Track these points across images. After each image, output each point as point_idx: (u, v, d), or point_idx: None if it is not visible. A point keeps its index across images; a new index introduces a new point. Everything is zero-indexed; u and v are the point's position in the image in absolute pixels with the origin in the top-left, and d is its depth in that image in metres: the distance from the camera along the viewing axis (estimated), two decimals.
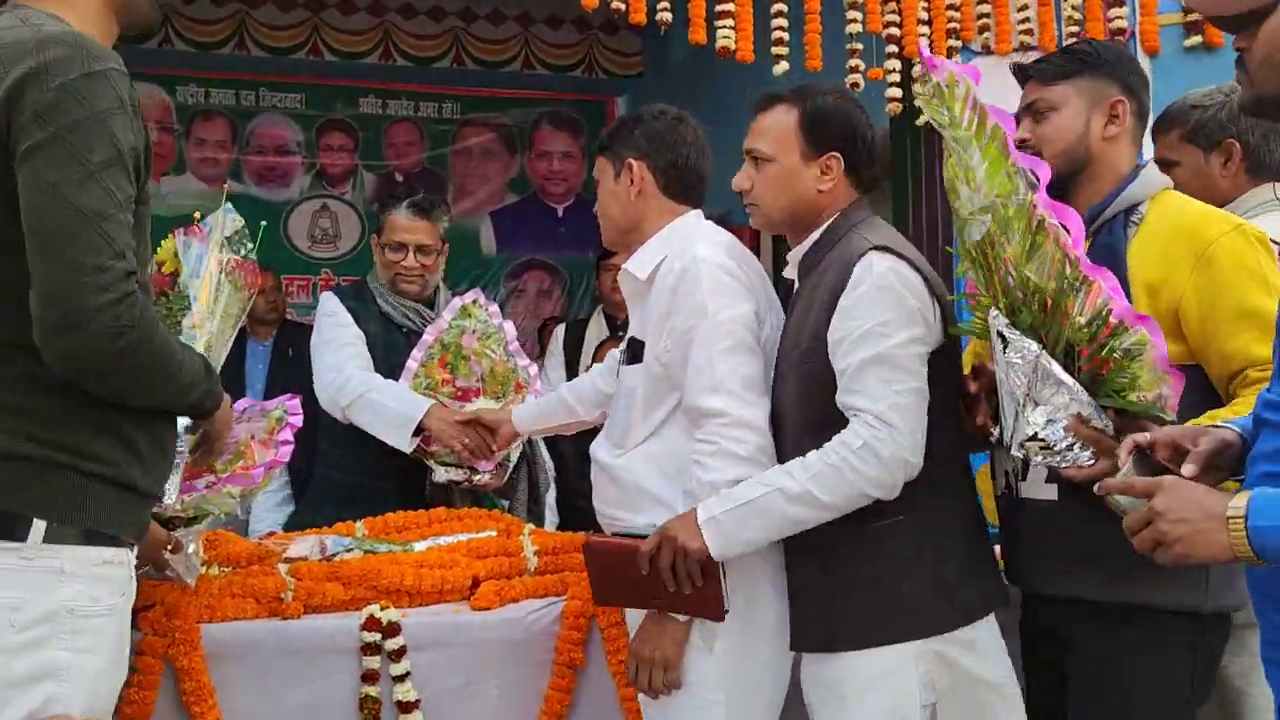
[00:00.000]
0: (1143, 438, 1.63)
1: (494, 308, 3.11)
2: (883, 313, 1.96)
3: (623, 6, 3.51)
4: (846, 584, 2.01)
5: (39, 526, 1.56)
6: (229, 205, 2.27)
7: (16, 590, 1.55)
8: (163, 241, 2.20)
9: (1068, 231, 1.84)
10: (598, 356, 3.81)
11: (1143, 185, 2.12)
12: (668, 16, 3.51)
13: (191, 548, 2.20)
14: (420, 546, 2.57)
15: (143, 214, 1.68)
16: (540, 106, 6.47)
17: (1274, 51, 1.48)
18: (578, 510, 3.60)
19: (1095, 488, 1.59)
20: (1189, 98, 2.46)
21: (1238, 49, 1.56)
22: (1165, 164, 2.41)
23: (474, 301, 3.07)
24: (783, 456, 2.05)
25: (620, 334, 4.18)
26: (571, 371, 4.23)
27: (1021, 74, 2.24)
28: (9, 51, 1.58)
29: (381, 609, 2.25)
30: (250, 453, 2.36)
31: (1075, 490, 1.87)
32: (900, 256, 2.01)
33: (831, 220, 2.15)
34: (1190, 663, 2.00)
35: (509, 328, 3.06)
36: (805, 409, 2.05)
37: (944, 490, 2.03)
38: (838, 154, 2.13)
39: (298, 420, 2.46)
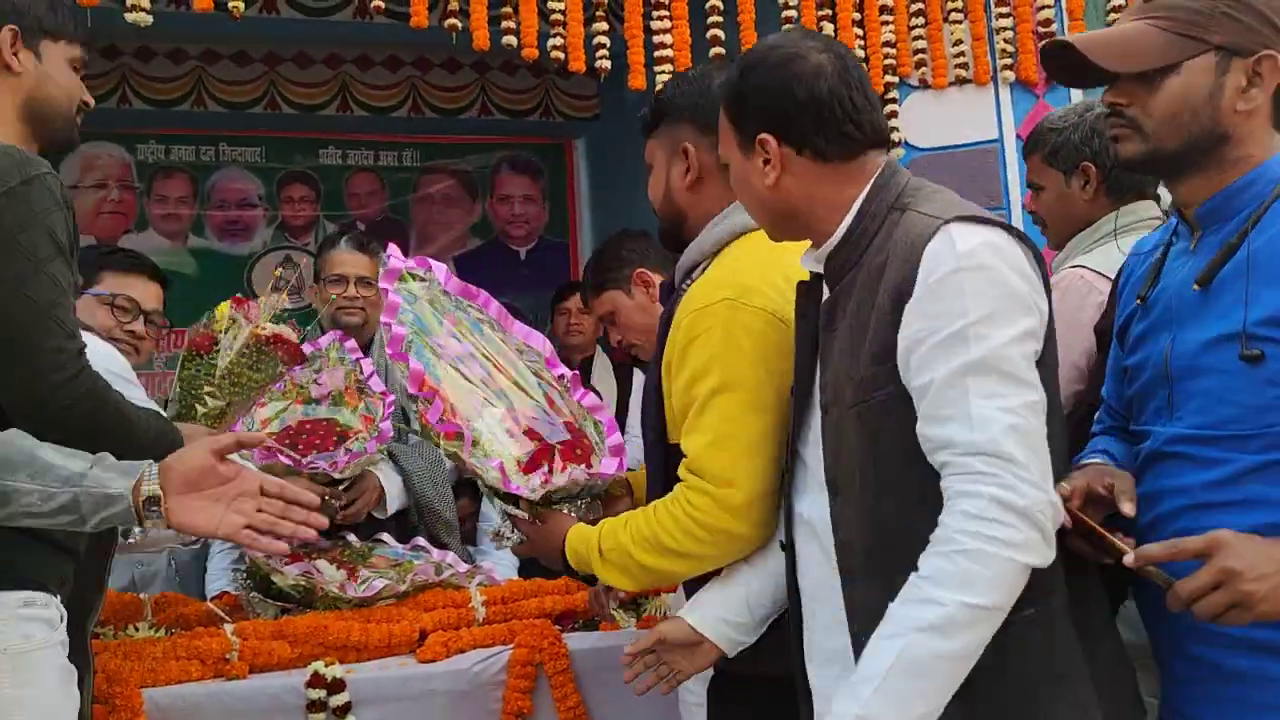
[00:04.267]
0: (1062, 488, 1.53)
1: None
2: (980, 304, 1.45)
3: (562, 55, 3.57)
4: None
5: None
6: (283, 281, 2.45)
7: None
8: (219, 305, 2.47)
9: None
10: None
11: (699, 245, 1.98)
12: (606, 65, 3.58)
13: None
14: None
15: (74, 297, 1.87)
16: (499, 151, 6.52)
17: (1181, 111, 1.53)
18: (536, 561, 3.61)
19: (1128, 561, 1.43)
20: (1046, 120, 2.42)
21: (1116, 104, 1.58)
22: (1034, 187, 2.42)
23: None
24: (846, 536, 1.57)
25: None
26: None
27: None
28: None
29: (326, 665, 2.26)
30: (356, 400, 2.79)
31: None
32: (993, 225, 1.52)
33: (857, 207, 1.64)
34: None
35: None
36: (877, 462, 1.53)
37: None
38: (767, 134, 1.66)
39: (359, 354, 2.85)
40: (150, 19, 3.12)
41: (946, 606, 1.37)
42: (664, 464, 1.95)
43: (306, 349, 2.73)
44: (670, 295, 2.07)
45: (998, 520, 1.38)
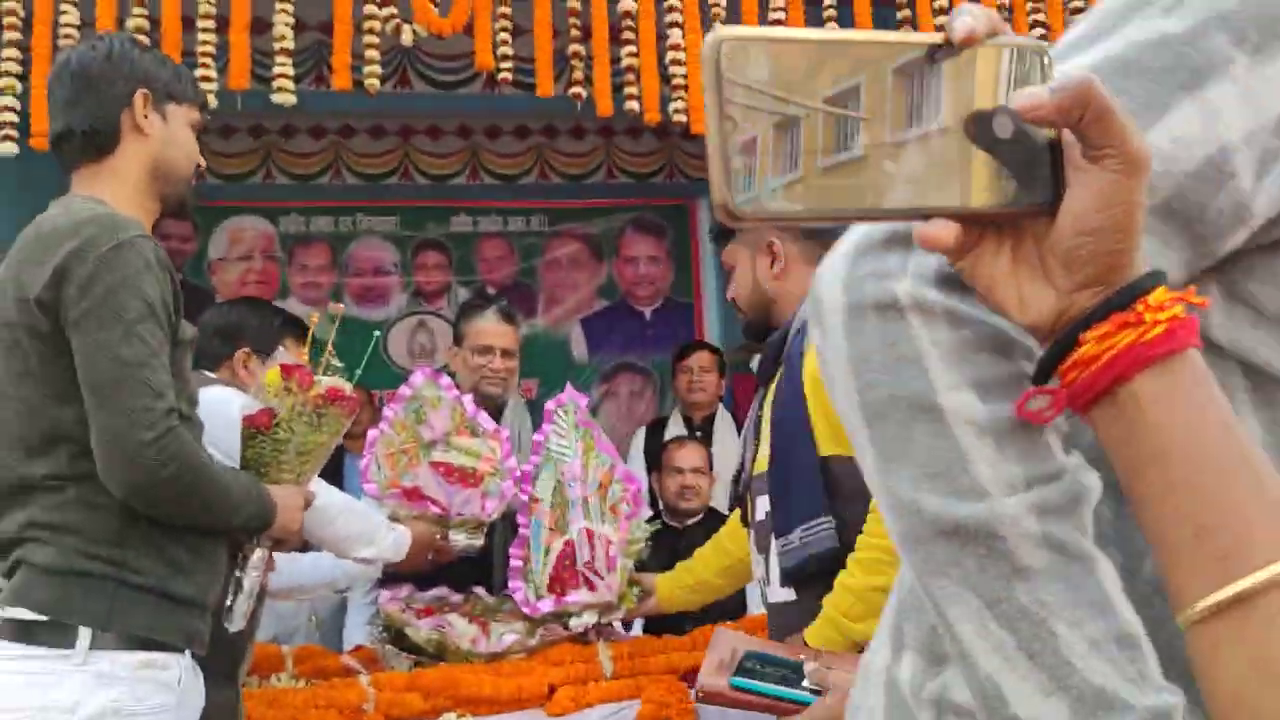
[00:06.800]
0: None
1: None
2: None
3: (684, 119, 3.64)
4: None
5: (85, 634, 1.78)
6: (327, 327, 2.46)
7: (72, 693, 1.76)
8: (269, 374, 2.35)
9: None
10: (665, 457, 3.86)
11: None
12: (683, 119, 3.65)
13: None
14: None
15: (179, 353, 1.93)
16: (625, 213, 6.63)
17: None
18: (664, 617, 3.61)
19: None
20: None
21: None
22: None
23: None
24: None
25: (698, 434, 4.22)
26: (653, 469, 4.26)
27: None
28: (53, 238, 1.88)
29: (459, 717, 2.31)
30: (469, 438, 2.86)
31: (808, 590, 2.00)
32: None
33: None
34: None
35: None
36: None
37: None
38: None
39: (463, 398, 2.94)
40: (295, 98, 3.28)
41: None
42: (824, 479, 2.05)
43: (404, 390, 2.84)
44: (778, 353, 2.26)
45: None
